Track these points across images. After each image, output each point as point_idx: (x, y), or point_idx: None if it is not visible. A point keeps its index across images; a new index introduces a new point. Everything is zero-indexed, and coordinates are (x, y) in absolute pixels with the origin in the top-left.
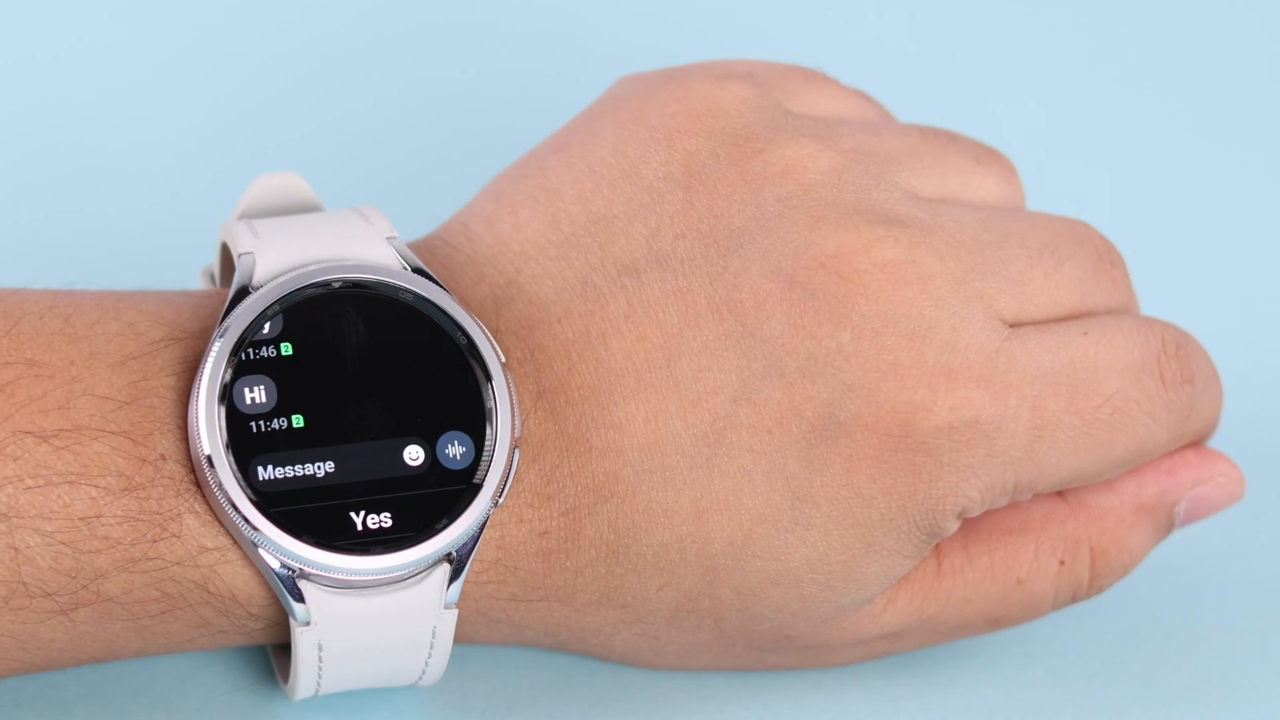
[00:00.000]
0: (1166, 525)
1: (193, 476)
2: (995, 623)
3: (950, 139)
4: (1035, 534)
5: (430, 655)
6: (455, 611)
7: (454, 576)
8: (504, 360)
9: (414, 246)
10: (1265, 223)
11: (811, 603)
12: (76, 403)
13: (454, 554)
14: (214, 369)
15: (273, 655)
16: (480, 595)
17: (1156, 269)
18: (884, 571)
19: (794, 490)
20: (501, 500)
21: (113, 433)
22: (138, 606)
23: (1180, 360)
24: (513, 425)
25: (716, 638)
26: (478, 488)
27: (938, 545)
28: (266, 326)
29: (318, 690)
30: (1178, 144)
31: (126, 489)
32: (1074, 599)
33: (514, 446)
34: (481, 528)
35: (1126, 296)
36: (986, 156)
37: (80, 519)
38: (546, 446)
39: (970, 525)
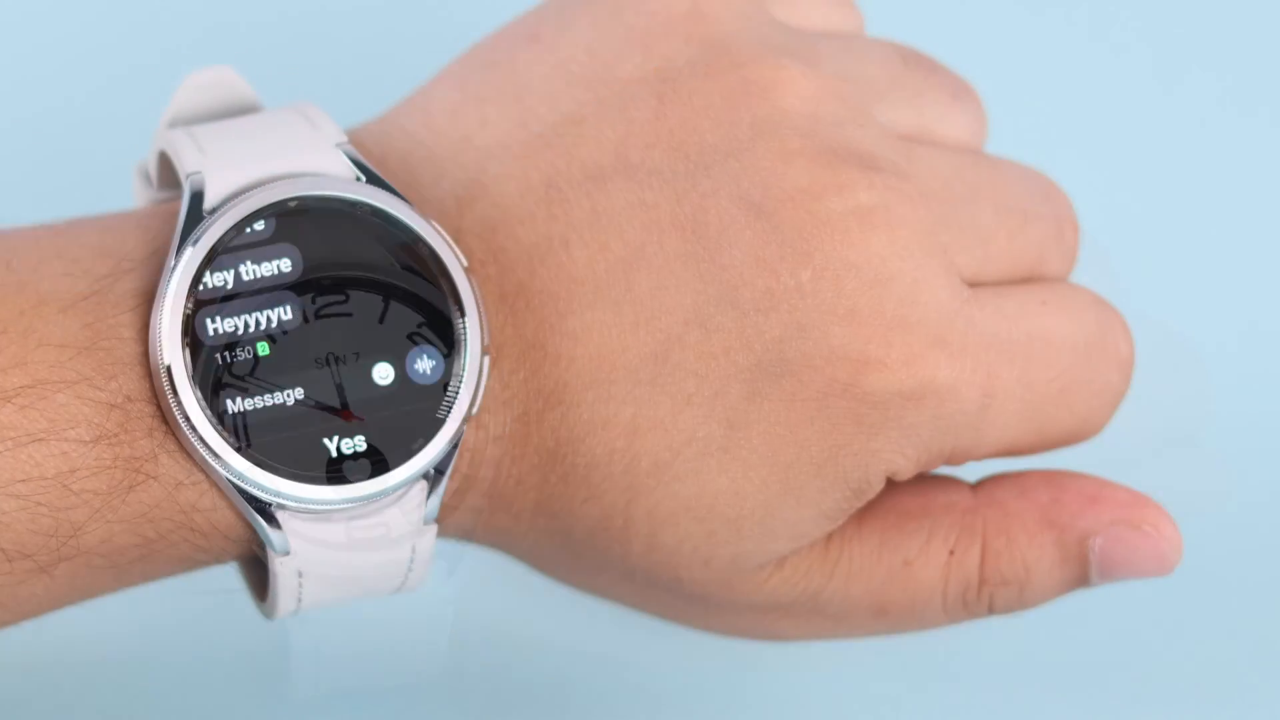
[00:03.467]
0: (1075, 556)
1: (162, 415)
2: (881, 611)
3: (931, 69)
4: (933, 519)
5: (410, 570)
6: (434, 527)
7: (431, 492)
8: (466, 265)
9: (370, 135)
10: (1266, 220)
11: (714, 542)
12: (33, 356)
13: (431, 470)
14: (173, 308)
15: (243, 570)
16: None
17: (1155, 268)
18: (797, 523)
19: (730, 418)
20: (474, 410)
21: (74, 382)
22: (117, 554)
23: (1130, 345)
24: (481, 334)
25: (620, 561)
26: (451, 401)
27: None
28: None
29: (297, 610)
30: (1177, 142)
31: (97, 438)
32: (965, 604)
33: (484, 354)
34: (457, 442)
35: (1073, 260)
36: (963, 93)
37: (54, 477)
38: (506, 351)
39: (868, 503)
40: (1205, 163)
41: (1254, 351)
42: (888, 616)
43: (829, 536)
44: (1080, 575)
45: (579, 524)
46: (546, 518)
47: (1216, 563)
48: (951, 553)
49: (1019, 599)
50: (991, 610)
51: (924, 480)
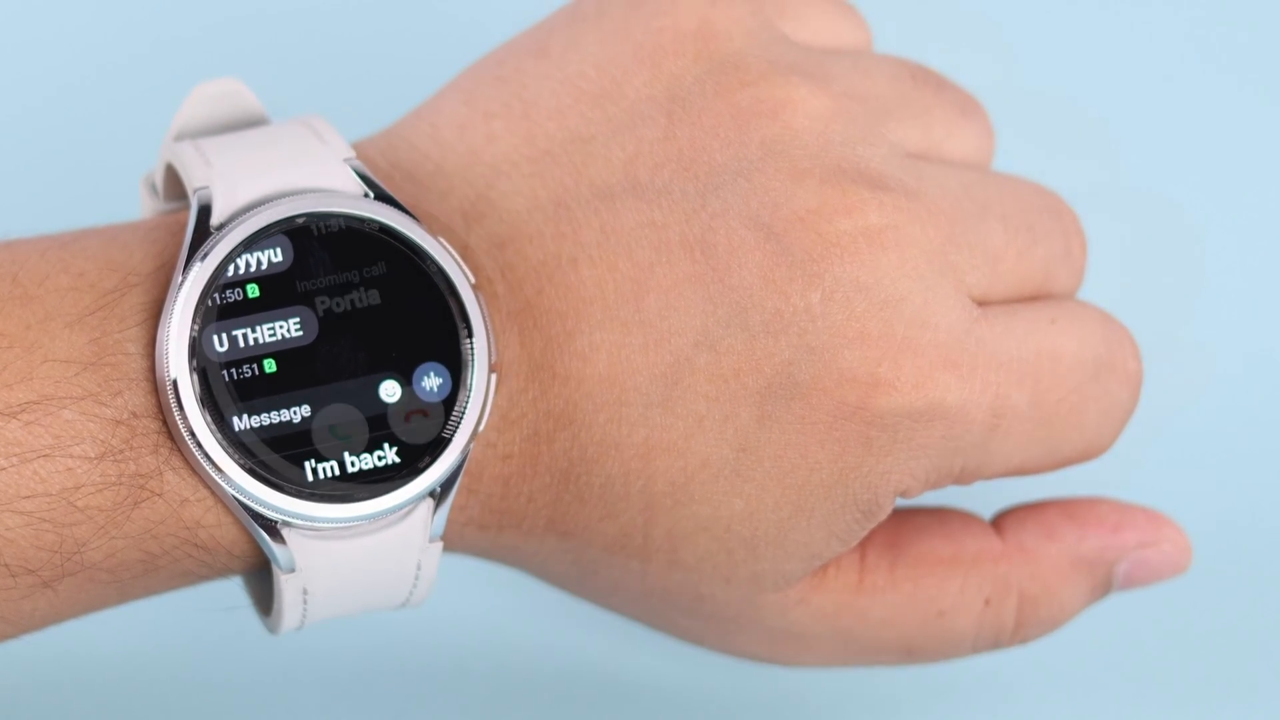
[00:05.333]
0: (1104, 584)
1: (167, 431)
2: (910, 653)
3: (939, 86)
4: (965, 569)
5: (415, 585)
6: (440, 544)
7: (437, 509)
8: (473, 281)
9: (377, 147)
10: (1266, 217)
11: (733, 561)
12: (39, 371)
13: (437, 488)
14: (179, 324)
15: (248, 585)
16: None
17: (1152, 265)
18: (810, 543)
19: (741, 441)
20: (481, 428)
21: (80, 398)
22: (121, 569)
23: (1138, 361)
24: (489, 352)
25: (639, 581)
26: (458, 420)
27: (863, 560)
28: (230, 270)
29: (302, 625)
30: (1183, 154)
31: (103, 455)
32: (996, 643)
33: (491, 372)
34: (464, 460)
35: (1081, 276)
36: (971, 109)
37: (59, 493)
38: (514, 370)
39: (899, 548)
40: (1213, 175)
41: (1254, 350)
42: (915, 655)
43: (861, 582)
44: (1103, 594)
45: (595, 541)
46: (559, 536)
47: (1217, 563)
48: (987, 602)
49: (1049, 630)
50: (1022, 643)
51: (951, 524)
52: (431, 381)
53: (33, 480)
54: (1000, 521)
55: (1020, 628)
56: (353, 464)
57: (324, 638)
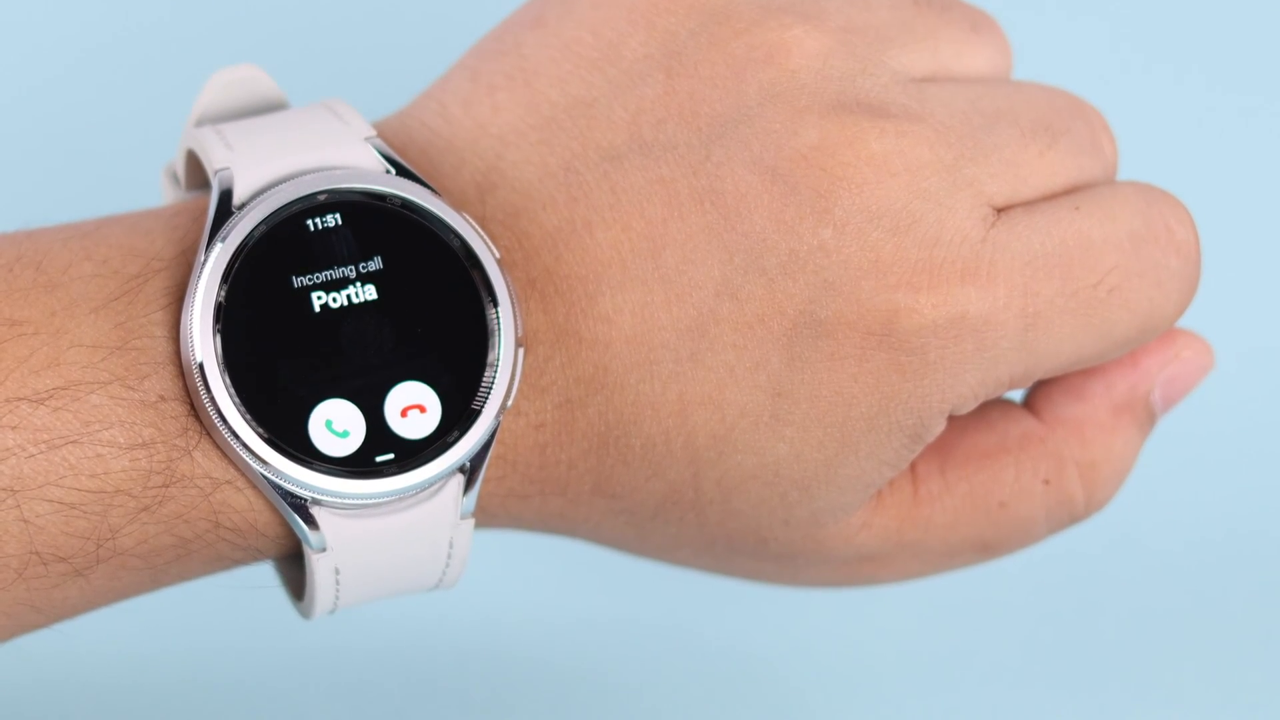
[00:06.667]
0: (1147, 418)
1: (195, 414)
2: (986, 549)
3: (944, 7)
4: (1014, 455)
5: (448, 565)
6: (471, 521)
7: (468, 486)
8: (499, 256)
9: (390, 128)
10: (1265, 217)
11: (788, 503)
12: (65, 356)
13: (467, 464)
14: (203, 305)
15: (280, 570)
16: (481, 492)
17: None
18: (861, 475)
19: (775, 387)
20: (509, 403)
21: (107, 382)
22: (154, 555)
23: (1186, 226)
24: (515, 325)
25: (698, 532)
26: (486, 394)
27: (914, 470)
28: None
29: (335, 608)
30: (1173, 136)
31: (131, 439)
32: (1072, 518)
33: (518, 346)
34: (493, 435)
35: (1113, 166)
36: (983, 24)
37: (88, 478)
38: (538, 337)
39: (946, 450)
40: (1212, 175)
41: (1255, 349)
42: (991, 550)
43: (916, 493)
44: (1151, 426)
45: (646, 501)
46: (607, 498)
47: (1217, 562)
48: (1046, 482)
49: (1120, 484)
50: (1100, 509)
51: (990, 415)
52: (440, 368)
53: (62, 466)
54: (1032, 403)
55: (1091, 495)
56: (379, 439)
57: (323, 638)
